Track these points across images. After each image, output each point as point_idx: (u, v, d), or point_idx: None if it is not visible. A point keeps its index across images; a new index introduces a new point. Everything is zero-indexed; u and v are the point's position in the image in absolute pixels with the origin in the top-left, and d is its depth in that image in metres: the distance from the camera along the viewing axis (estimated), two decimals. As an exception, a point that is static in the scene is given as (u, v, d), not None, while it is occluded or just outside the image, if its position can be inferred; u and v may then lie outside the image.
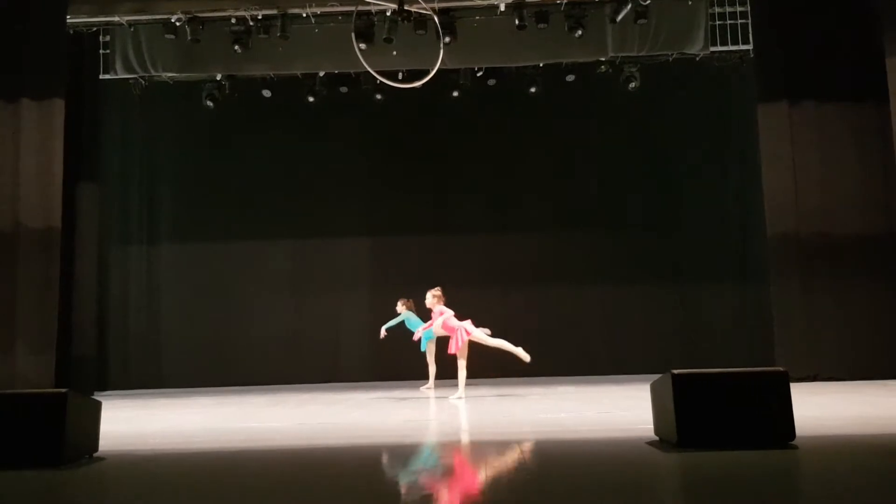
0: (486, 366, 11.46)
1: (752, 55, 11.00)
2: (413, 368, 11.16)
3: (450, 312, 8.91)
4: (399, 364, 11.41)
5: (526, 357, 8.72)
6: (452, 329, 8.80)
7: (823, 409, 6.84)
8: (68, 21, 10.62)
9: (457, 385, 8.82)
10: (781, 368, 4.92)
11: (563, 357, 11.70)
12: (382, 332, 9.92)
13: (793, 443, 4.63)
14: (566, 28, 10.61)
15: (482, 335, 8.85)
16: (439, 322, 8.94)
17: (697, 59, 11.36)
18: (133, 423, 7.37)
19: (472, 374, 10.41)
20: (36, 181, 10.16)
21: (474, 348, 8.97)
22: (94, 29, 11.40)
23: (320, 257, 12.47)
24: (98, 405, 5.25)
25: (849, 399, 7.66)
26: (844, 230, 9.98)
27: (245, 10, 10.64)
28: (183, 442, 6.01)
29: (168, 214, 12.61)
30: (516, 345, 8.72)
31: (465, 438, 5.90)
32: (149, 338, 12.31)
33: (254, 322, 12.28)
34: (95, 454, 5.05)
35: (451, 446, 5.53)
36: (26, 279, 10.01)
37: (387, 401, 8.93)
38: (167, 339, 12.30)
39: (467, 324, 8.84)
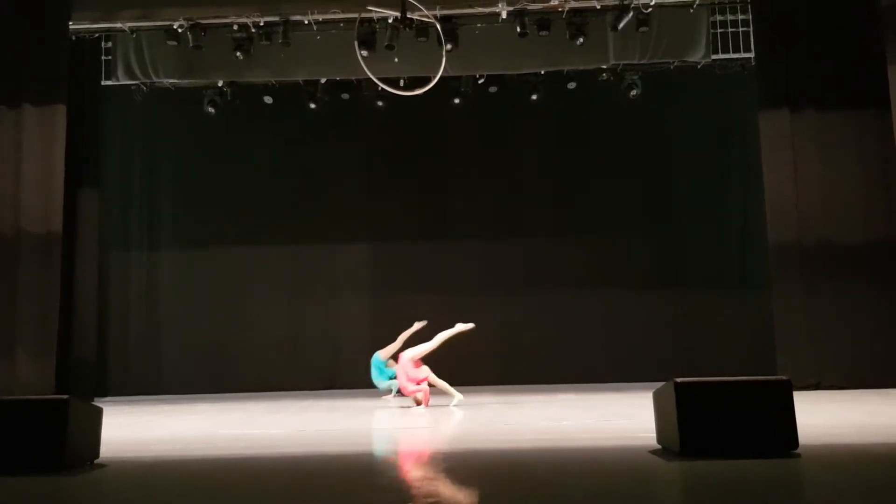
0: (487, 373, 11.48)
1: (753, 63, 10.99)
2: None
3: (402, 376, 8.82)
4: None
5: (468, 326, 8.85)
6: (413, 379, 8.69)
7: (826, 417, 6.83)
8: (70, 27, 10.63)
9: (449, 394, 8.73)
10: (784, 377, 4.91)
11: (563, 364, 11.67)
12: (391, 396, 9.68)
13: (796, 451, 4.62)
14: (567, 35, 10.60)
15: (424, 348, 8.75)
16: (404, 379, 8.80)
17: (699, 66, 11.35)
18: (133, 429, 7.36)
19: (472, 381, 10.41)
20: (37, 186, 10.16)
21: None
22: (97, 35, 11.38)
23: (321, 263, 12.45)
24: (99, 411, 5.24)
25: (852, 407, 7.65)
26: (846, 237, 9.97)
27: (247, 17, 10.64)
28: (183, 449, 6.00)
29: (168, 220, 12.60)
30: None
31: (466, 447, 5.89)
32: (149, 343, 12.28)
33: (254, 328, 12.25)
34: (97, 461, 5.04)
35: (451, 454, 5.51)
36: (27, 284, 10.00)
37: (387, 408, 8.92)
38: (167, 344, 12.27)
39: (405, 360, 8.73)
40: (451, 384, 8.79)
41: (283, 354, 12.09)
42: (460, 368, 11.54)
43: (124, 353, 12.16)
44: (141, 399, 11.15)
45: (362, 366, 11.96)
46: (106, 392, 11.66)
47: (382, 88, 9.40)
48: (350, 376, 11.83)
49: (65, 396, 4.79)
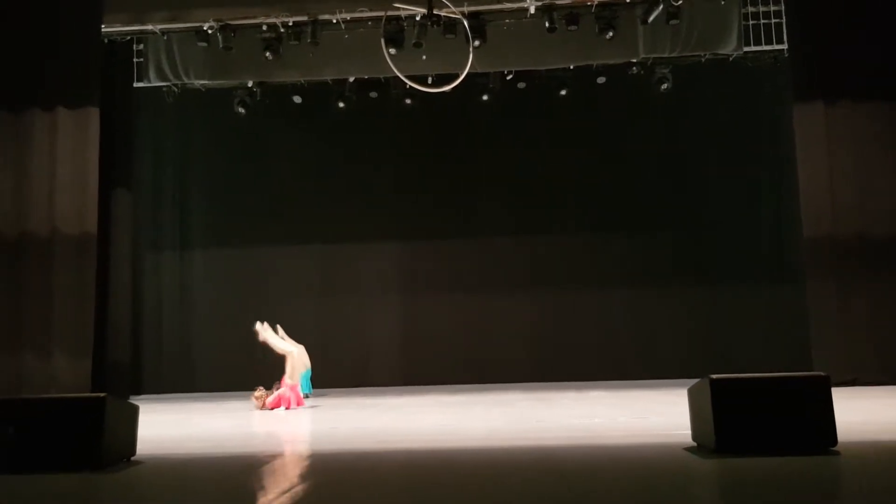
0: (518, 371, 11.44)
1: (786, 55, 10.83)
2: (444, 373, 11.18)
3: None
4: (429, 368, 11.41)
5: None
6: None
7: (865, 413, 6.72)
8: (102, 30, 10.77)
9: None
10: (822, 373, 4.83)
11: (594, 361, 11.59)
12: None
13: (835, 448, 4.54)
14: (597, 30, 10.51)
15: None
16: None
17: (730, 59, 11.20)
18: (168, 427, 7.43)
19: (503, 379, 10.33)
20: (71, 188, 10.31)
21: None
22: (128, 38, 11.53)
23: (351, 262, 12.47)
24: (135, 409, 5.30)
25: (890, 404, 7.51)
26: (882, 230, 9.78)
27: (276, 17, 10.70)
28: (217, 446, 6.05)
29: (200, 220, 12.71)
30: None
31: (498, 444, 5.87)
32: (182, 342, 12.40)
33: (285, 326, 12.32)
34: (133, 458, 5.10)
35: (482, 451, 5.50)
36: (63, 285, 10.15)
37: (417, 405, 8.93)
38: (200, 343, 12.38)
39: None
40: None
41: (313, 352, 12.12)
42: (492, 366, 11.57)
43: (158, 352, 12.30)
44: (175, 397, 11.28)
45: (392, 364, 12.01)
46: (140, 391, 11.80)
47: (410, 86, 9.39)
48: (380, 374, 11.87)
49: (102, 395, 4.85)
